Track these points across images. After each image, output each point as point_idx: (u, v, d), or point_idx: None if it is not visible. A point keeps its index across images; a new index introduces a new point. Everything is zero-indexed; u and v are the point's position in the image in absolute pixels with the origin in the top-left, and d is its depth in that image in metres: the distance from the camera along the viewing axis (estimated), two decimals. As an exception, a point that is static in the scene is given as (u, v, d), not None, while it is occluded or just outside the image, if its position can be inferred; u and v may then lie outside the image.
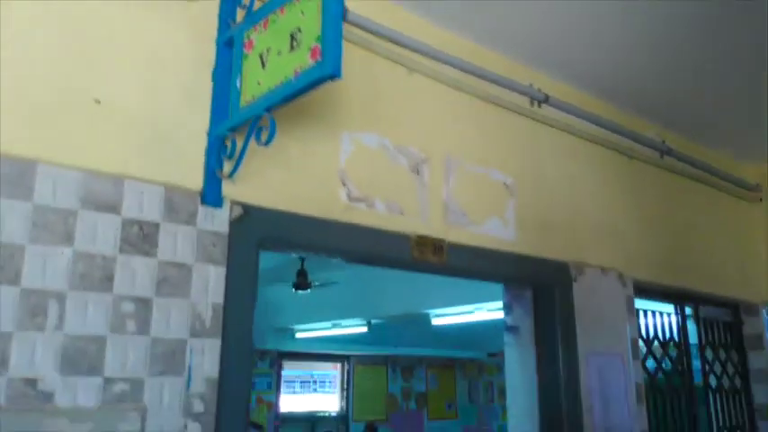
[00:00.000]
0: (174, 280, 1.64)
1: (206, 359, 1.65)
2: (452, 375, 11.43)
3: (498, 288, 2.86)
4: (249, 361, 1.75)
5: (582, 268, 2.77)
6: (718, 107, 3.23)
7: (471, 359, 11.02)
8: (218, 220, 1.75)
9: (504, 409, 2.60)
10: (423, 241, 2.24)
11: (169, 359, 1.59)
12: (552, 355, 2.63)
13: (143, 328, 1.56)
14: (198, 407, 1.61)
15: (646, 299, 3.10)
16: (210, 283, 1.70)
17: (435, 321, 6.40)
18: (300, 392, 9.92)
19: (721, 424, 3.34)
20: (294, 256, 5.67)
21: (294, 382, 9.94)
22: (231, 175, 1.74)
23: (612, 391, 2.71)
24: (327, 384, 10.21)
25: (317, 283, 6.45)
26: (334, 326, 7.65)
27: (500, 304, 2.88)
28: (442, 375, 11.27)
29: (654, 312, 3.18)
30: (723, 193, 3.72)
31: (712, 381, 3.39)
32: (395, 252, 2.17)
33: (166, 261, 1.63)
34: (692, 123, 3.42)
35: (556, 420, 2.56)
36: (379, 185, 2.17)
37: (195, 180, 1.73)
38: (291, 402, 9.75)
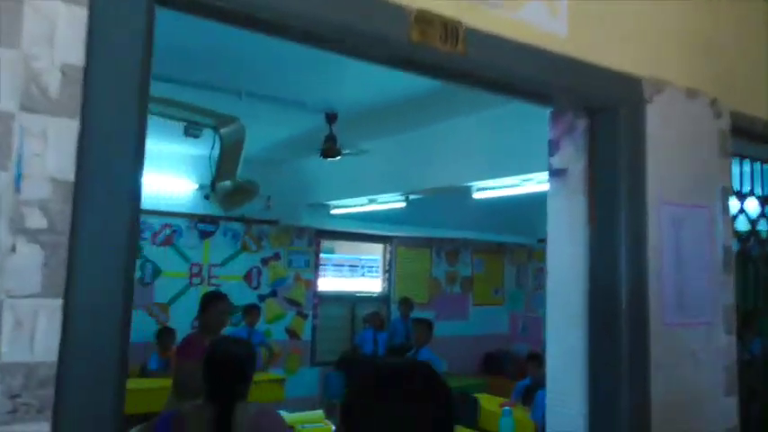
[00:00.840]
0: (-16, 16, 1.00)
1: (51, 149, 1.04)
2: (500, 261, 10.91)
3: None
4: (133, 161, 1.13)
5: (660, 87, 2.00)
6: None
7: (521, 245, 10.43)
8: (72, -67, 1.08)
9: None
10: (427, 18, 1.52)
11: (-22, 142, 0.99)
12: (611, 202, 1.94)
13: (-76, 86, 0.96)
14: (36, 221, 1.03)
15: (742, 140, 2.32)
16: (59, 29, 1.06)
17: (477, 195, 5.73)
18: (349, 276, 9.75)
19: (825, 305, 2.63)
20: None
21: (343, 266, 9.71)
22: None
23: (691, 253, 2.02)
24: (375, 269, 9.95)
25: (347, 151, 5.83)
26: (371, 201, 7.10)
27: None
28: (490, 261, 10.76)
29: (752, 160, 2.41)
30: None
31: (819, 252, 2.65)
32: (381, 30, 1.46)
33: (-30, -16, 1.00)
34: None
35: (610, 287, 1.91)
36: (360, -75, 1.43)
37: None
38: (332, 283, 9.52)
